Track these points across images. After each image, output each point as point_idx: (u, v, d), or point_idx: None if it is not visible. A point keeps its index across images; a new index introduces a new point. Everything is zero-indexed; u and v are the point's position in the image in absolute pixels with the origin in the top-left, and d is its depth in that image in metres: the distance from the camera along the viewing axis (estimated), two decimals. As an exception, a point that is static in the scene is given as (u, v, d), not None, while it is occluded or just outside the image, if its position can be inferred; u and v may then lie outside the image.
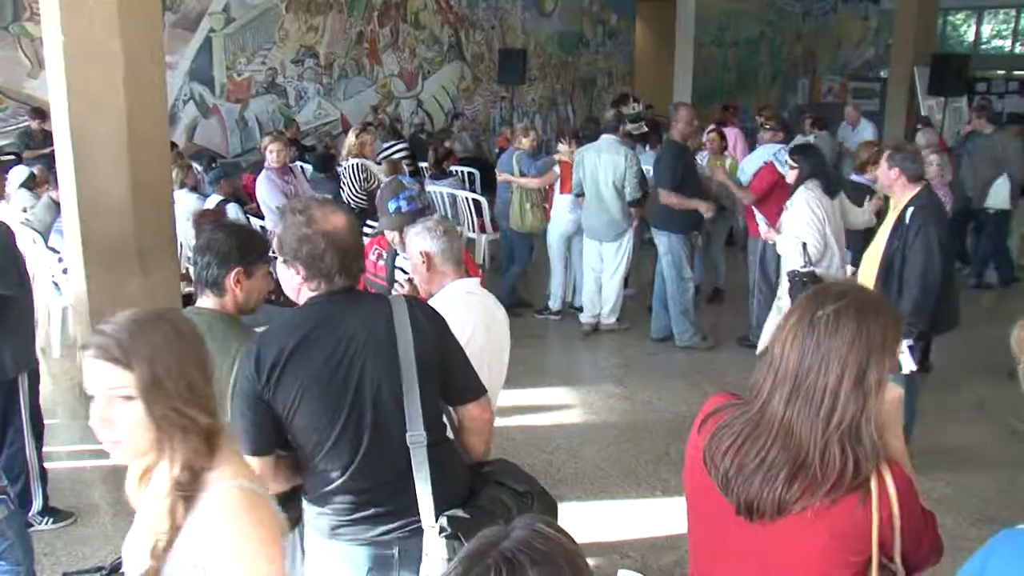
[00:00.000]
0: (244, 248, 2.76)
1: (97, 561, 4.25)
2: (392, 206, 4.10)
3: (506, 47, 16.03)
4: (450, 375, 2.60)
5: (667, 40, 18.17)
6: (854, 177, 6.65)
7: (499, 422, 4.26)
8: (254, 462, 2.45)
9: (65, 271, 6.66)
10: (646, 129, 10.84)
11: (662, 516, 4.75)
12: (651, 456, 5.39)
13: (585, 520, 4.71)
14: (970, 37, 26.31)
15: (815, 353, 1.77)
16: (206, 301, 2.77)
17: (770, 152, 7.31)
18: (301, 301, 2.55)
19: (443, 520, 2.45)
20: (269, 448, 2.49)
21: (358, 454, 2.44)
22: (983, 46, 25.94)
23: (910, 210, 4.81)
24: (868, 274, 5.03)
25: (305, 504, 2.60)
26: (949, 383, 6.76)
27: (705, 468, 1.89)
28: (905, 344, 4.62)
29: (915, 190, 4.86)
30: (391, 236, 4.16)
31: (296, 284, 2.52)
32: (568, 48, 17.98)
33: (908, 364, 4.72)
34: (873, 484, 1.77)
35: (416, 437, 2.44)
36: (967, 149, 9.80)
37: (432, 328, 2.55)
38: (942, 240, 4.77)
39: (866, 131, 11.54)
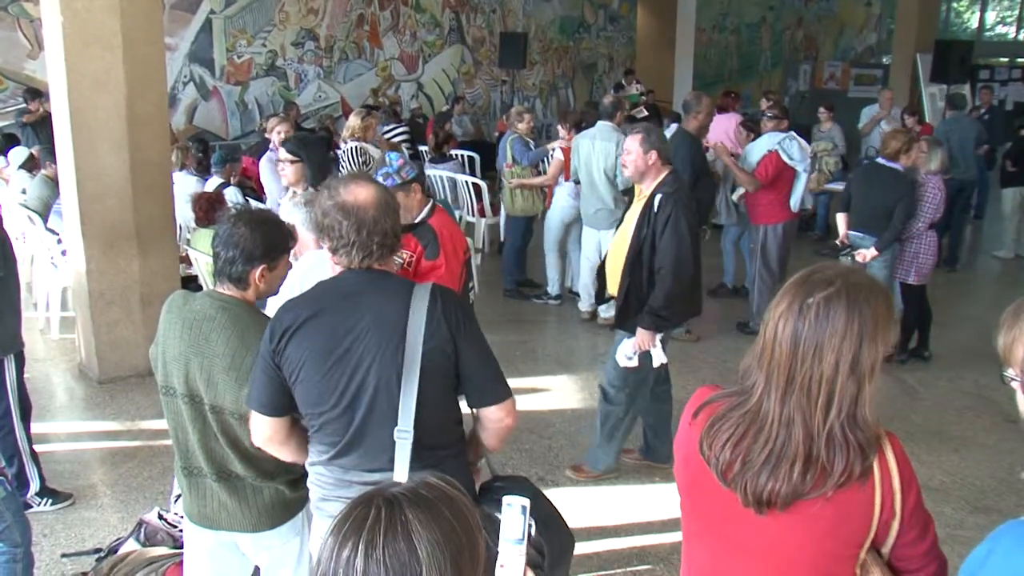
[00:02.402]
0: (269, 244, 2.74)
1: (96, 543, 4.27)
2: None
3: (507, 31, 15.98)
4: (466, 378, 2.49)
5: (668, 25, 18.09)
6: (881, 160, 6.63)
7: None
8: (258, 420, 2.50)
9: (64, 252, 6.65)
10: (646, 113, 10.78)
11: (660, 500, 4.76)
12: (649, 441, 5.40)
13: (583, 505, 4.73)
14: (974, 24, 26.22)
15: (807, 341, 1.75)
16: (227, 290, 2.77)
17: (774, 140, 7.28)
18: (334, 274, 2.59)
19: None
20: (279, 410, 2.49)
21: (347, 434, 2.44)
22: (987, 33, 25.87)
23: (659, 196, 4.52)
24: (615, 262, 4.77)
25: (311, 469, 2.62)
26: (948, 371, 6.78)
27: (703, 459, 1.88)
28: (657, 338, 4.60)
29: (664, 174, 4.62)
30: None
31: (330, 258, 2.55)
32: (569, 32, 17.93)
33: (659, 357, 4.66)
34: (875, 462, 1.77)
35: (403, 433, 2.38)
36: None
37: (449, 326, 2.42)
38: (692, 227, 4.53)
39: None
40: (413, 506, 1.30)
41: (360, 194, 2.49)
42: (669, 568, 4.19)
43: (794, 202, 7.37)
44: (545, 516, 2.56)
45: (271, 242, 2.76)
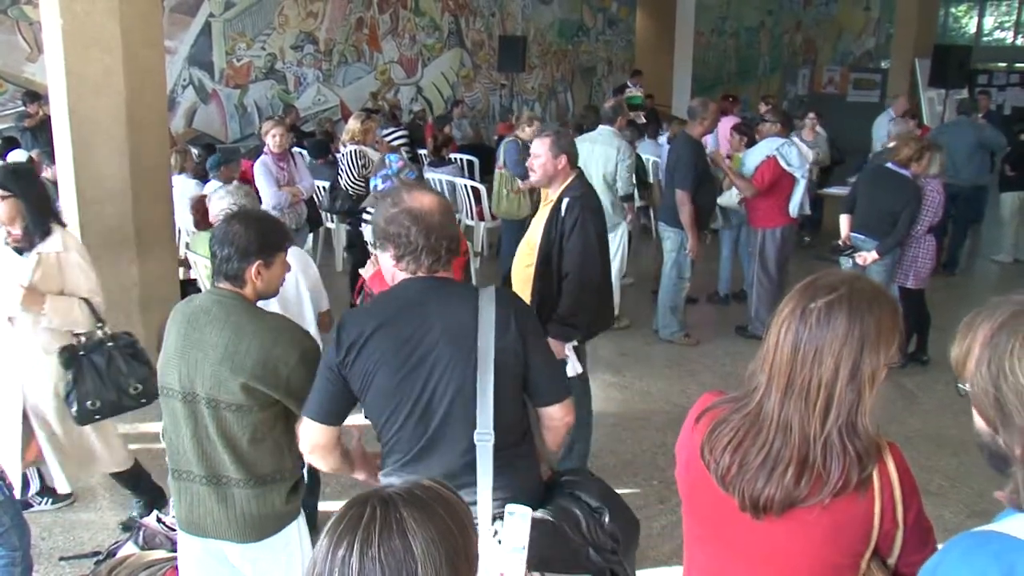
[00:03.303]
0: (263, 241, 2.76)
1: (94, 546, 4.26)
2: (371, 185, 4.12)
3: (506, 34, 16.01)
4: (533, 377, 2.54)
5: (667, 28, 18.13)
6: (891, 166, 6.64)
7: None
8: (313, 428, 2.52)
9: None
10: (643, 121, 10.81)
11: (659, 505, 4.75)
12: (648, 446, 5.40)
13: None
14: (972, 29, 26.28)
15: (808, 345, 1.75)
16: (224, 287, 2.78)
17: (772, 146, 7.25)
18: (394, 284, 2.60)
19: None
20: (335, 420, 2.53)
21: (422, 440, 2.47)
22: (985, 38, 25.93)
23: (566, 200, 4.41)
24: (520, 269, 4.63)
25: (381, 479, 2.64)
26: (946, 375, 6.73)
27: (703, 464, 1.88)
28: (568, 347, 4.46)
29: (571, 178, 4.51)
30: None
31: (391, 266, 2.56)
32: (568, 36, 17.96)
33: (574, 367, 4.50)
34: (875, 472, 1.77)
35: (483, 435, 2.41)
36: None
37: (517, 326, 2.48)
38: (600, 232, 4.44)
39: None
40: (408, 505, 1.31)
41: (425, 200, 2.52)
42: (670, 570, 4.18)
43: (793, 207, 7.33)
44: (612, 505, 2.62)
45: (266, 239, 2.78)
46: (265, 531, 2.82)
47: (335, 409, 2.52)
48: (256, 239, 2.74)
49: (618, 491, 4.84)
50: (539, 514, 2.44)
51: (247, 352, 2.64)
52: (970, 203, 9.74)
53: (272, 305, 3.29)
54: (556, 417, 2.63)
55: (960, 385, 1.50)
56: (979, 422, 1.49)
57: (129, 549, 3.82)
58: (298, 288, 3.98)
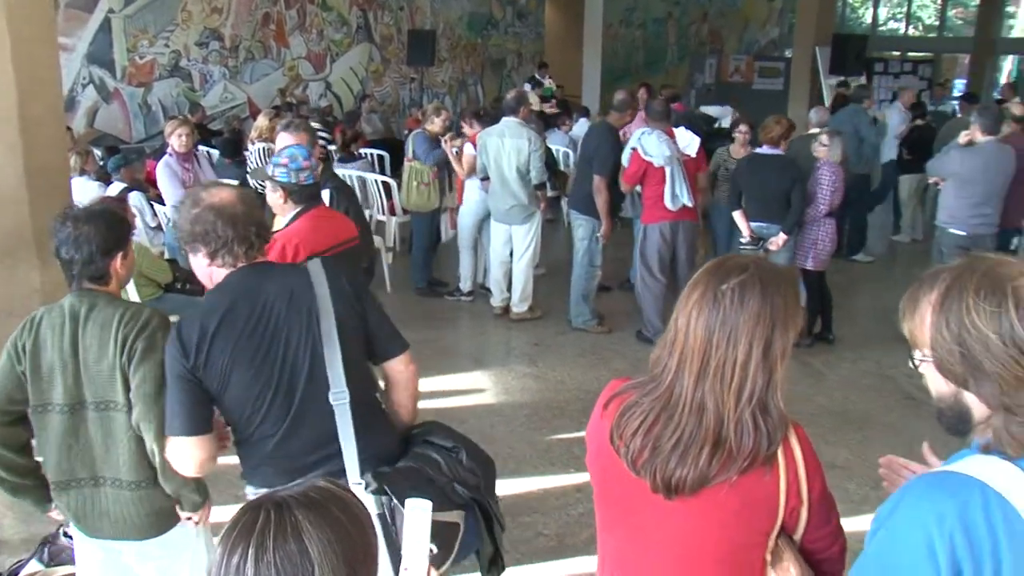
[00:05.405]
0: (119, 232, 2.72)
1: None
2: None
3: (415, 28, 15.94)
4: (373, 332, 2.68)
5: (576, 20, 18.22)
6: (764, 150, 6.76)
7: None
8: (193, 445, 2.47)
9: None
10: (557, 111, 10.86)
11: (576, 494, 4.78)
12: (564, 435, 5.45)
13: (500, 500, 4.72)
14: (868, 19, 27.10)
15: (722, 328, 1.77)
16: (91, 287, 2.71)
17: (636, 137, 7.00)
18: (215, 283, 2.59)
19: (367, 476, 2.51)
20: (207, 427, 2.51)
21: (288, 417, 2.49)
22: (880, 28, 26.75)
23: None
24: None
25: (247, 486, 2.65)
26: (852, 352, 6.98)
27: (614, 449, 1.90)
28: None
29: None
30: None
31: (206, 268, 2.58)
32: (477, 29, 17.94)
33: None
34: (780, 451, 1.81)
35: (339, 395, 2.50)
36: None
37: (353, 289, 2.63)
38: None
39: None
40: (302, 507, 1.30)
41: (224, 194, 2.58)
42: (587, 558, 4.22)
43: (667, 201, 6.83)
44: (466, 444, 2.79)
45: (119, 230, 2.73)
46: (161, 527, 2.77)
47: (203, 415, 2.50)
48: (110, 232, 2.68)
49: (535, 479, 4.93)
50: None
51: (131, 350, 2.58)
52: (859, 190, 9.96)
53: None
54: (401, 369, 2.77)
55: (916, 355, 1.57)
56: (938, 388, 1.57)
57: (33, 567, 3.71)
58: None
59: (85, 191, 7.31)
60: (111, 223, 2.72)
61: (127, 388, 2.60)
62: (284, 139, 4.45)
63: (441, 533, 2.47)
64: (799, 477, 1.83)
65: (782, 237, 6.58)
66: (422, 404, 4.15)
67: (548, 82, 15.14)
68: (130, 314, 2.63)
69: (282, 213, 3.74)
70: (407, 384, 2.81)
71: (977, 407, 1.51)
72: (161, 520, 2.77)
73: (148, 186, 7.86)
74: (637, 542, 1.97)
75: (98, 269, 2.66)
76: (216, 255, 2.52)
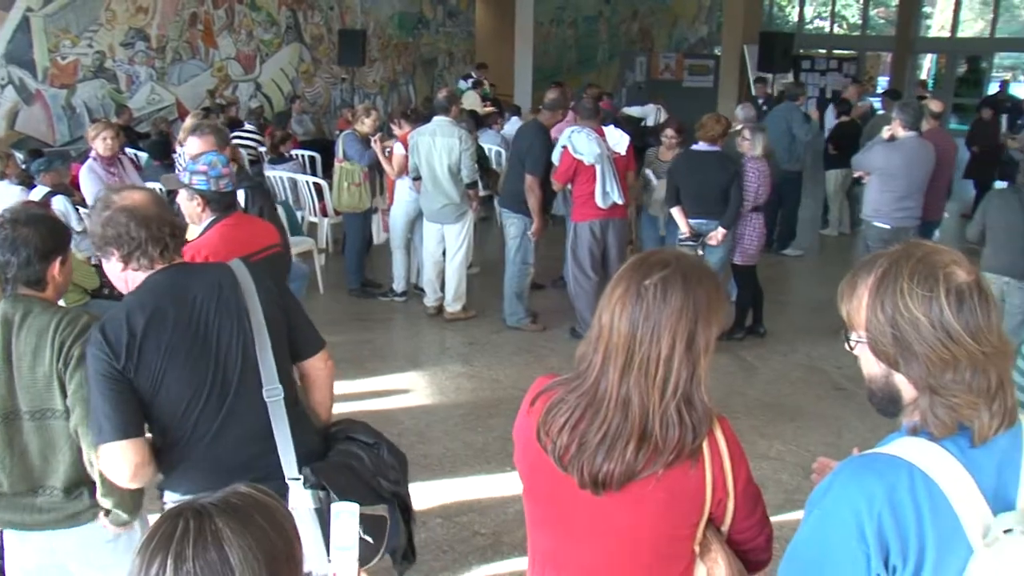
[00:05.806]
0: (59, 237, 2.67)
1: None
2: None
3: (345, 28, 15.82)
4: (295, 330, 2.71)
5: (507, 19, 18.25)
6: (701, 146, 6.84)
7: (345, 407, 4.24)
8: (126, 448, 2.38)
9: None
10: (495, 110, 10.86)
11: (512, 492, 4.77)
12: (499, 433, 5.44)
13: (436, 500, 4.73)
14: (794, 17, 27.62)
15: (645, 323, 1.79)
16: (24, 293, 2.64)
17: (566, 136, 6.98)
18: (133, 287, 2.54)
19: (305, 471, 2.54)
20: (139, 429, 2.43)
21: (220, 416, 2.48)
22: (807, 26, 27.29)
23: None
24: None
25: (167, 493, 2.60)
26: (783, 345, 7.11)
27: (540, 446, 1.91)
28: None
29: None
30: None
31: (120, 272, 2.54)
32: (408, 28, 17.85)
33: None
34: (705, 444, 1.84)
35: (273, 391, 2.52)
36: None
37: (277, 287, 2.67)
38: None
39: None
40: (223, 514, 1.29)
41: (135, 195, 2.55)
42: (524, 557, 4.24)
43: (598, 198, 6.83)
44: (384, 440, 2.84)
45: (59, 235, 2.69)
46: (94, 515, 2.72)
47: (135, 416, 2.42)
48: (50, 236, 2.63)
49: (471, 479, 4.94)
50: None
51: (67, 356, 2.53)
52: (792, 185, 10.15)
53: None
54: (320, 366, 2.81)
55: (852, 337, 1.62)
56: (870, 370, 1.62)
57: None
58: None
59: (7, 195, 7.12)
60: (52, 227, 2.67)
61: (65, 395, 2.55)
62: (194, 144, 4.34)
63: (371, 527, 2.49)
64: (724, 470, 1.86)
65: (721, 232, 6.66)
66: (358, 405, 4.17)
67: (485, 83, 15.15)
68: (67, 320, 2.57)
69: (197, 222, 3.61)
70: (325, 381, 2.85)
71: (906, 388, 1.57)
72: (93, 512, 2.73)
73: (73, 190, 7.70)
74: (567, 538, 1.99)
75: (35, 273, 2.60)
76: (131, 258, 2.49)
